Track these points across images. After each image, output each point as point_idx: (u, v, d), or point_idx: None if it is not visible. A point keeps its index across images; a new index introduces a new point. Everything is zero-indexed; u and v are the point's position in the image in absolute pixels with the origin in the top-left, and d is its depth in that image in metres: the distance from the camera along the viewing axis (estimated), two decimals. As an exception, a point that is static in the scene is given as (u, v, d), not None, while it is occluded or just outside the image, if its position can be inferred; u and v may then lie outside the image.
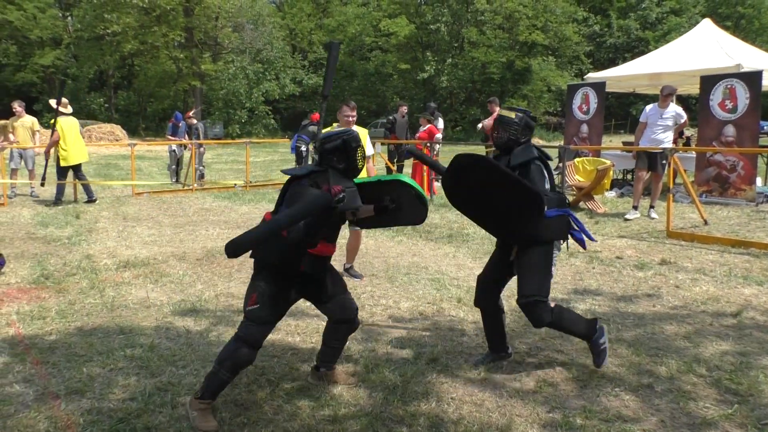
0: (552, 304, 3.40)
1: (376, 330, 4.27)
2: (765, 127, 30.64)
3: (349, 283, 5.73)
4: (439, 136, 11.09)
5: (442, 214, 9.11)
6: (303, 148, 12.24)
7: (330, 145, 3.17)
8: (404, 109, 13.39)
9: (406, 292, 5.20)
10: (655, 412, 3.06)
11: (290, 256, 2.99)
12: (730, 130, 9.53)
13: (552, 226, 3.34)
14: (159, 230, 7.92)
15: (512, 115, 3.53)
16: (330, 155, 3.16)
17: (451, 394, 3.28)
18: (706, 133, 9.90)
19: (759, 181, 10.32)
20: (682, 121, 8.51)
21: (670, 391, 3.28)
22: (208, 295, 5.09)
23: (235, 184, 12.61)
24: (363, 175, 5.38)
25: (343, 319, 3.28)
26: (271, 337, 4.11)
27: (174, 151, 13.43)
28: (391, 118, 13.59)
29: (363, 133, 5.40)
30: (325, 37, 48.26)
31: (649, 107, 8.71)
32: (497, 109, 11.74)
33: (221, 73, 37.81)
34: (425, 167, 10.87)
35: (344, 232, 6.48)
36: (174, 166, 13.46)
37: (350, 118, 5.34)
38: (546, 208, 3.27)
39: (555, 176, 12.72)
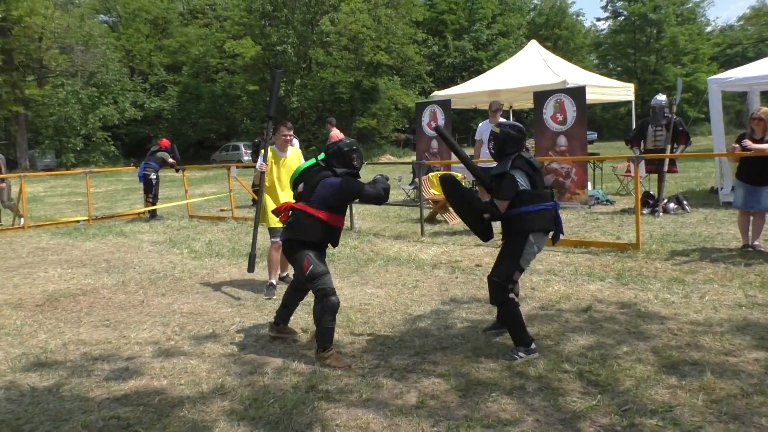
0: (512, 295, 3.99)
1: (250, 362, 4.07)
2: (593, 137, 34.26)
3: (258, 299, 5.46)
4: None
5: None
6: (153, 176, 11.53)
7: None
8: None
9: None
10: (530, 412, 3.20)
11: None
12: (562, 140, 10.47)
13: (525, 219, 3.92)
14: (-14, 276, 7.01)
15: (497, 129, 4.12)
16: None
17: (335, 420, 3.20)
18: (543, 143, 10.78)
19: (590, 185, 11.44)
20: None
21: (540, 390, 3.45)
22: (55, 344, 4.56)
23: (78, 221, 11.48)
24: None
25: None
26: (134, 383, 3.77)
27: None
28: (256, 140, 13.19)
29: (297, 153, 5.93)
30: (166, 58, 46.13)
31: (481, 124, 9.16)
32: (334, 129, 11.88)
33: (50, 99, 34.66)
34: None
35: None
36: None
37: (288, 137, 5.73)
38: (518, 207, 3.93)
39: (412, 190, 12.79)
